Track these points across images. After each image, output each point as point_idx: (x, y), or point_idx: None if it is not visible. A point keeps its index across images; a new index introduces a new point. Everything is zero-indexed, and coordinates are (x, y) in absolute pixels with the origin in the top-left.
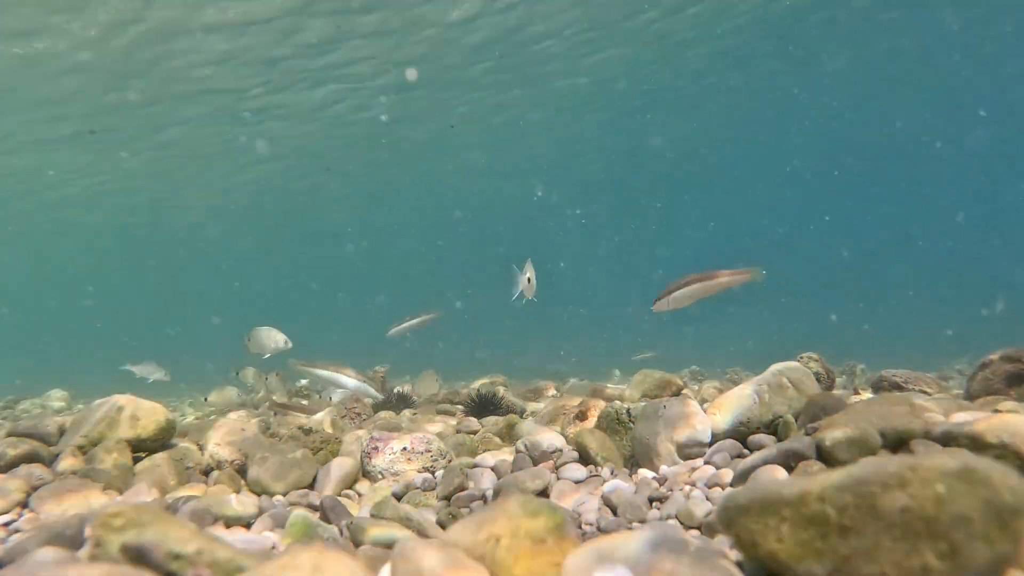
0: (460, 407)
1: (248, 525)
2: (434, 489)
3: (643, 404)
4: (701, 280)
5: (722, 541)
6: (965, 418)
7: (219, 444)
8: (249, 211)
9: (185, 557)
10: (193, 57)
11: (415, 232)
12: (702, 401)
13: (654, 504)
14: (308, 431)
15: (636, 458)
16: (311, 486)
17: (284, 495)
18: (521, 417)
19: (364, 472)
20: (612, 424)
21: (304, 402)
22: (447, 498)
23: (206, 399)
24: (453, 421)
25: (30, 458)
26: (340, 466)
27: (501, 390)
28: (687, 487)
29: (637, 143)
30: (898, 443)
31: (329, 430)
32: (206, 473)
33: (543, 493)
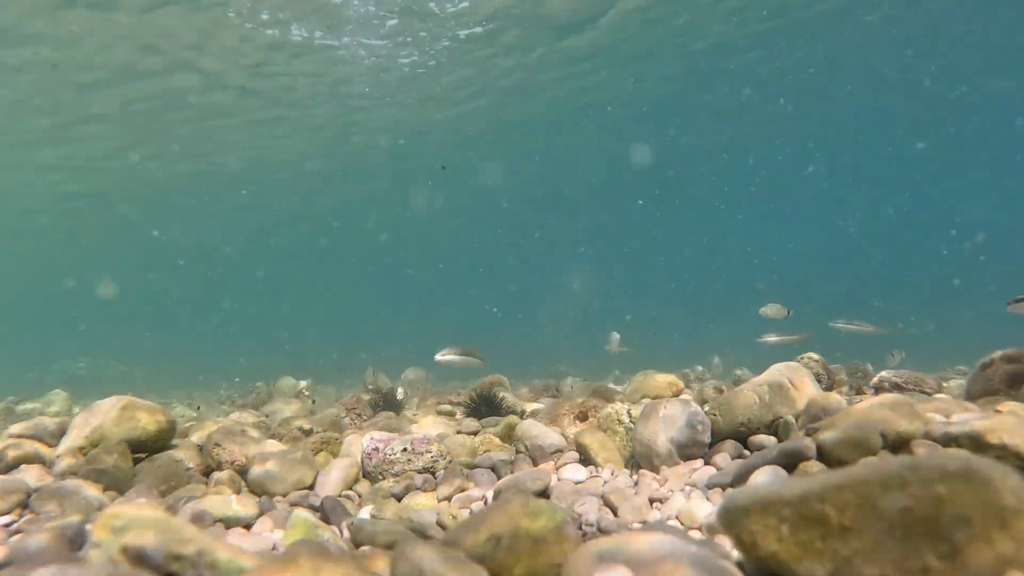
0: (460, 408)
1: (249, 526)
2: (434, 490)
3: (643, 404)
4: None
5: (722, 542)
6: (966, 419)
7: (219, 445)
8: None
9: (186, 558)
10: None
11: (415, 236)
12: (702, 402)
13: (655, 505)
14: (308, 432)
15: (637, 458)
16: (312, 487)
17: (284, 496)
18: (521, 418)
19: (364, 473)
20: (613, 424)
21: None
22: (447, 499)
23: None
24: (453, 422)
25: (31, 459)
26: (340, 467)
27: (501, 391)
28: (687, 488)
29: (636, 147)
30: (899, 444)
31: (329, 431)
32: (207, 474)
33: (543, 494)
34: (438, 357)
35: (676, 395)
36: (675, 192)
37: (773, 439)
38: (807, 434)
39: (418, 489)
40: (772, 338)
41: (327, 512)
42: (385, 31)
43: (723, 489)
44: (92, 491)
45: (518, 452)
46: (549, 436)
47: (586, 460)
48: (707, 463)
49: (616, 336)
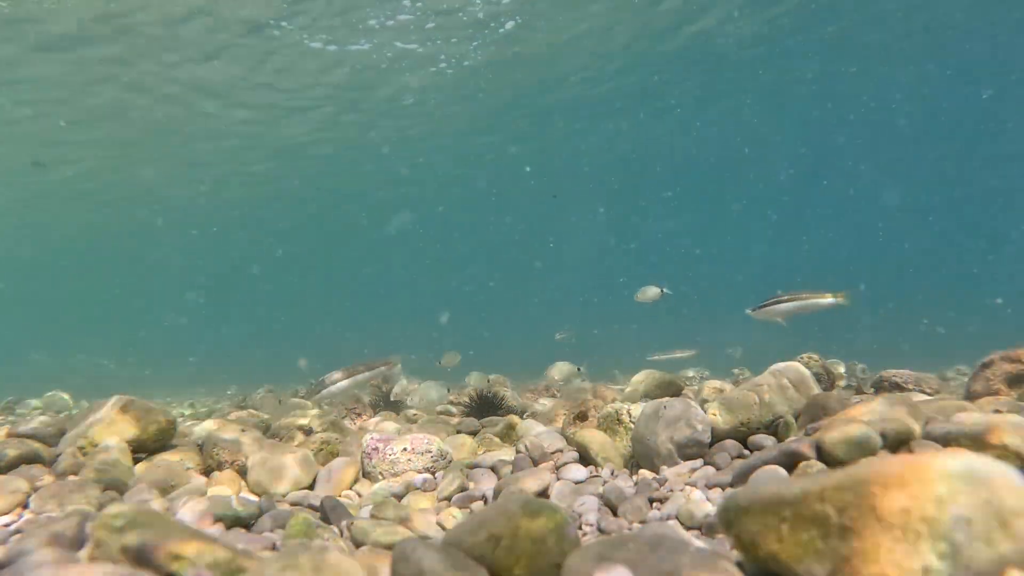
0: (460, 408)
1: (249, 526)
2: (434, 490)
3: (643, 404)
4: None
5: (722, 541)
6: (966, 419)
7: (219, 445)
8: None
9: (186, 558)
10: None
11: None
12: (702, 402)
13: (654, 505)
14: (309, 432)
15: (636, 458)
16: (312, 487)
17: (284, 496)
18: (521, 418)
19: (364, 473)
20: (612, 424)
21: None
22: (447, 499)
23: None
24: (453, 422)
25: (30, 459)
26: (340, 467)
27: (502, 391)
28: (687, 488)
29: (632, 141)
30: (899, 443)
31: (330, 431)
32: (206, 474)
33: (543, 494)
34: (330, 389)
35: (676, 395)
36: (682, 189)
37: (773, 439)
38: (807, 434)
39: (418, 489)
40: (661, 356)
41: (327, 512)
42: (421, 34)
43: (723, 489)
44: (92, 491)
45: (518, 452)
46: (549, 436)
47: (586, 460)
48: (707, 463)
49: (652, 291)
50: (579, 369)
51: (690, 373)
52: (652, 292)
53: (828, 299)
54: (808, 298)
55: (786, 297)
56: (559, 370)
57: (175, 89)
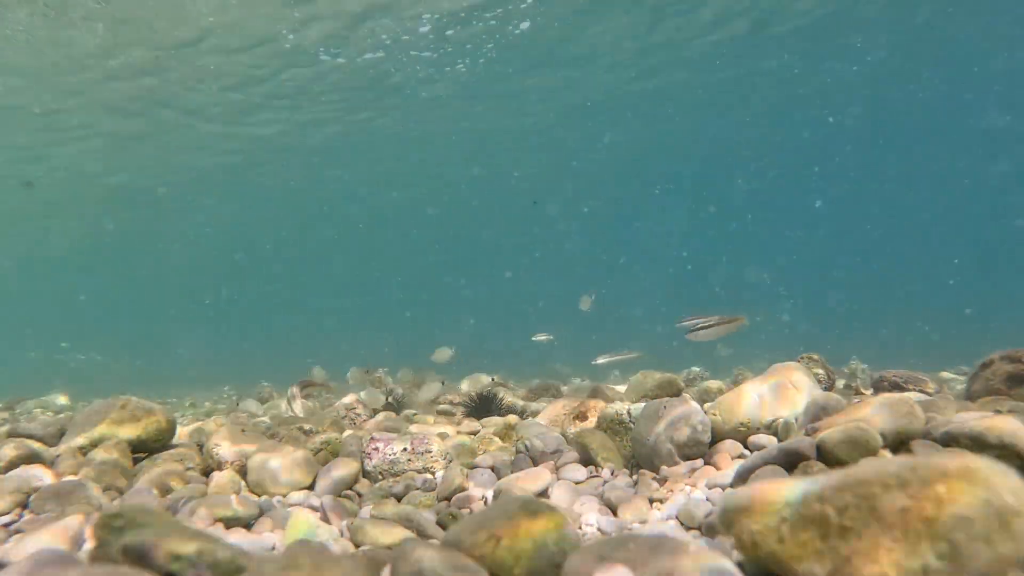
0: (460, 408)
1: (249, 526)
2: (434, 490)
3: (643, 404)
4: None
5: (722, 542)
6: (966, 419)
7: (219, 445)
8: None
9: (185, 558)
10: None
11: (401, 230)
12: (702, 401)
13: (654, 505)
14: (308, 431)
15: (636, 458)
16: (311, 487)
17: (284, 496)
18: (521, 418)
19: (364, 473)
20: (612, 424)
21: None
22: (447, 499)
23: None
24: (453, 422)
25: (30, 459)
26: (340, 467)
27: (501, 390)
28: (687, 488)
29: (628, 140)
30: (898, 443)
31: (329, 431)
32: (206, 474)
33: (543, 494)
34: (293, 407)
35: (675, 395)
36: (681, 190)
37: (773, 439)
38: (807, 434)
39: (418, 489)
40: (603, 359)
41: (327, 512)
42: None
43: (723, 489)
44: (92, 491)
45: (518, 452)
46: (549, 436)
47: (586, 460)
48: (707, 463)
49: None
50: (492, 379)
51: (690, 373)
52: (586, 302)
53: (737, 322)
54: (724, 322)
55: (713, 320)
56: (471, 381)
57: (185, 104)
